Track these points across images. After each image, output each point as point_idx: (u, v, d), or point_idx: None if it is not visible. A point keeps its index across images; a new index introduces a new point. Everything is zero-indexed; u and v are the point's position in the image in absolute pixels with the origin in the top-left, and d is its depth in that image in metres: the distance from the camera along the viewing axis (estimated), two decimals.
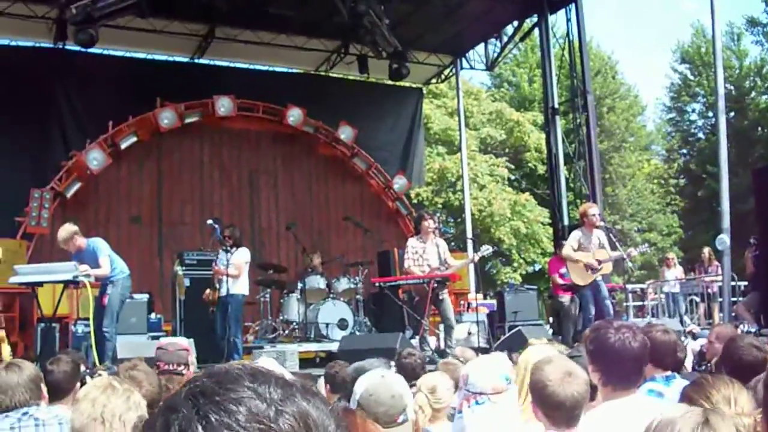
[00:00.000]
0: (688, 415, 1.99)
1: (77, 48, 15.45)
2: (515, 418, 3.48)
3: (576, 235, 11.87)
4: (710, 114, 38.66)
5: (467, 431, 3.37)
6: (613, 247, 11.85)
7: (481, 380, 3.44)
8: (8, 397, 4.29)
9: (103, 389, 3.35)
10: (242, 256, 11.96)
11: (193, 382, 1.09)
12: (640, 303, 19.27)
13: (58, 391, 4.85)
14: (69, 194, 16.40)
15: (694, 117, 42.66)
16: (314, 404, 1.06)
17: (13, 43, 17.42)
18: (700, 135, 42.07)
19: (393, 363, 5.75)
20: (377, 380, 3.32)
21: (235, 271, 11.76)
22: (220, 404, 1.01)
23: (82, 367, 5.61)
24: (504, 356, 4.33)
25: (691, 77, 41.48)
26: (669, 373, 4.70)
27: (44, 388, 4.41)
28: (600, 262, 11.54)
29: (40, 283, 9.79)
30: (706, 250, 18.12)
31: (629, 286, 17.57)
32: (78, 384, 5.15)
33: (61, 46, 16.82)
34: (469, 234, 20.76)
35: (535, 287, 18.32)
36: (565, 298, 14.05)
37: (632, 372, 3.72)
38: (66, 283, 9.72)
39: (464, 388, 3.50)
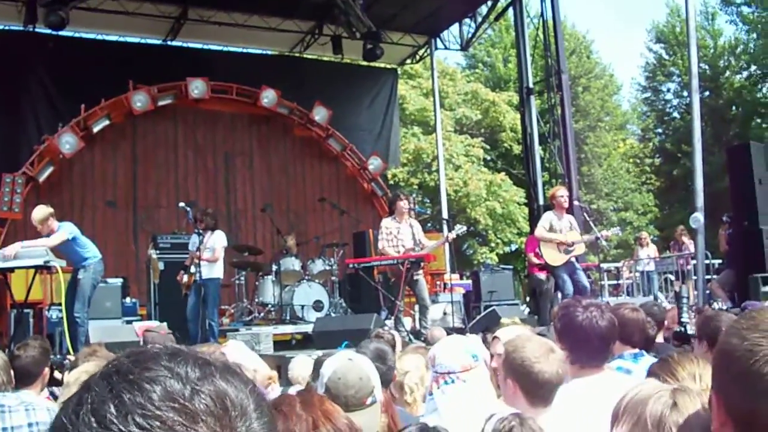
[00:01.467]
0: (657, 395, 2.00)
1: (48, 31, 15.30)
2: (488, 395, 3.48)
3: (548, 216, 11.95)
4: (685, 93, 38.77)
5: (440, 411, 3.37)
6: (588, 229, 11.92)
7: (448, 359, 3.44)
8: None
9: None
10: (219, 240, 11.92)
11: (111, 361, 1.07)
12: (615, 282, 19.39)
13: (26, 377, 4.82)
14: (41, 179, 16.27)
15: (669, 96, 42.84)
16: (233, 384, 1.03)
17: None
18: (675, 114, 42.25)
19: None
20: (345, 363, 3.31)
21: (212, 255, 11.73)
22: (134, 383, 0.98)
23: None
24: (473, 338, 4.33)
25: (666, 57, 41.62)
26: (637, 350, 4.73)
27: (12, 375, 4.38)
28: (572, 244, 11.61)
29: (11, 269, 9.72)
30: (680, 229, 18.24)
31: (604, 265, 17.68)
32: (47, 369, 5.12)
33: (31, 29, 16.64)
34: (445, 215, 20.79)
35: (511, 267, 18.41)
36: (542, 276, 14.11)
37: (600, 350, 3.73)
38: (37, 269, 9.66)
39: (433, 369, 3.50)
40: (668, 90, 42.69)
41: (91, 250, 10.49)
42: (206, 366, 1.04)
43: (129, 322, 12.03)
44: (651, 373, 3.11)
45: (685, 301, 7.01)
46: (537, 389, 3.33)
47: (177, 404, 0.97)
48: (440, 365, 3.43)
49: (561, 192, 11.94)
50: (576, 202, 12.05)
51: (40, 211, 10.18)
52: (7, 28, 17.15)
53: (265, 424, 1.04)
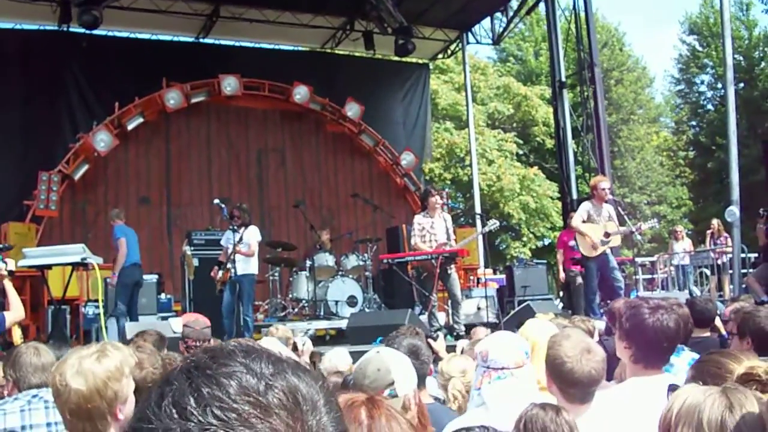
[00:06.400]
0: (709, 398, 1.98)
1: (82, 30, 15.42)
2: (534, 390, 3.48)
3: (586, 206, 11.83)
4: (719, 85, 38.36)
5: (488, 405, 3.36)
6: (622, 222, 11.82)
7: (504, 355, 3.43)
8: (46, 375, 4.32)
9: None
10: (253, 235, 11.94)
11: (189, 357, 1.13)
12: (649, 276, 19.21)
13: None
14: (77, 176, 16.43)
15: (703, 88, 42.37)
16: (304, 380, 1.09)
17: (18, 27, 17.40)
18: (709, 106, 41.80)
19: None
20: (371, 355, 3.32)
21: (248, 250, 11.76)
22: (212, 377, 1.04)
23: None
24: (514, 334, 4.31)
25: (700, 48, 41.19)
26: (678, 345, 4.70)
27: None
28: (608, 235, 11.51)
29: (49, 266, 9.82)
30: (715, 222, 18.05)
31: (638, 260, 17.50)
32: None
33: (65, 29, 16.80)
34: (478, 209, 20.72)
35: (545, 262, 18.31)
36: (576, 270, 14.03)
37: (665, 352, 3.72)
38: (74, 266, 9.74)
39: (483, 365, 3.48)
40: (702, 82, 42.27)
41: (130, 256, 10.76)
42: (279, 363, 1.10)
43: (164, 318, 12.10)
44: (694, 369, 3.09)
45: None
46: (567, 387, 3.34)
47: (252, 398, 1.03)
48: (494, 361, 3.42)
49: (603, 184, 11.76)
50: (609, 196, 11.89)
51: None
52: (42, 28, 17.32)
53: (335, 419, 1.09)
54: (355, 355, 4.97)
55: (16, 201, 15.92)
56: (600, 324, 7.24)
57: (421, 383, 3.94)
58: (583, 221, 11.63)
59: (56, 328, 11.36)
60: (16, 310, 7.01)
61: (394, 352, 3.48)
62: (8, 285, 7.20)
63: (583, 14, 17.76)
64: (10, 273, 7.30)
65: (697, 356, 3.84)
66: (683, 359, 4.46)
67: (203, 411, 1.01)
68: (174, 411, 1.02)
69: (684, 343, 4.92)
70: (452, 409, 4.48)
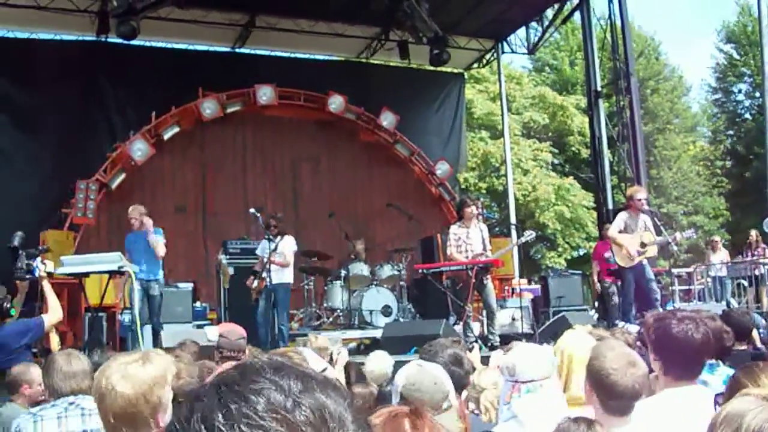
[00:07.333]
0: (756, 409, 1.96)
1: (119, 40, 15.58)
2: (562, 401, 3.47)
3: (622, 216, 11.74)
4: (757, 94, 37.91)
5: (520, 418, 3.35)
6: (658, 232, 11.72)
7: (531, 368, 3.41)
8: (75, 383, 4.37)
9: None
10: (289, 246, 11.97)
11: (220, 373, 1.15)
12: (686, 287, 19.03)
13: None
14: (114, 185, 16.58)
15: (740, 97, 41.93)
16: (332, 397, 1.10)
17: (57, 37, 17.62)
18: (747, 115, 41.35)
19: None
20: (416, 370, 3.31)
21: (283, 259, 11.79)
22: (241, 394, 1.06)
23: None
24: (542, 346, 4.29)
25: (737, 57, 40.80)
26: (713, 360, 4.65)
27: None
28: (645, 245, 11.43)
29: (86, 274, 9.89)
30: (754, 233, 17.85)
31: (675, 270, 17.37)
32: None
33: (103, 39, 16.99)
34: (513, 219, 20.66)
35: (580, 272, 18.19)
36: (610, 282, 13.93)
37: (694, 362, 3.69)
38: (111, 273, 9.82)
39: (510, 379, 3.46)
40: (739, 91, 41.84)
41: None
42: (308, 380, 1.11)
43: (200, 326, 12.16)
44: (734, 379, 3.07)
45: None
46: (609, 400, 3.31)
47: (279, 415, 1.04)
48: (522, 373, 3.40)
49: (639, 195, 11.66)
50: (645, 206, 11.79)
51: (142, 207, 11.26)
52: (80, 38, 17.52)
53: None
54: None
55: (54, 209, 16.13)
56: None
57: (459, 391, 3.94)
58: (620, 231, 11.55)
59: (93, 335, 11.47)
60: (55, 311, 7.10)
61: (435, 365, 3.49)
62: (47, 286, 7.30)
63: (618, 23, 17.68)
64: (49, 275, 7.40)
65: (731, 372, 3.80)
66: (718, 376, 4.42)
67: (231, 427, 1.02)
68: (202, 427, 1.04)
69: (722, 357, 4.87)
70: (482, 419, 4.48)
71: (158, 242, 10.88)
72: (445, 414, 3.22)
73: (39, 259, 7.37)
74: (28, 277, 7.31)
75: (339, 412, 1.08)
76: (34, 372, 5.24)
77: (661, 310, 9.45)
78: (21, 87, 16.43)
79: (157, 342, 10.30)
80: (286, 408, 1.05)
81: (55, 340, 8.21)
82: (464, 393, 4.81)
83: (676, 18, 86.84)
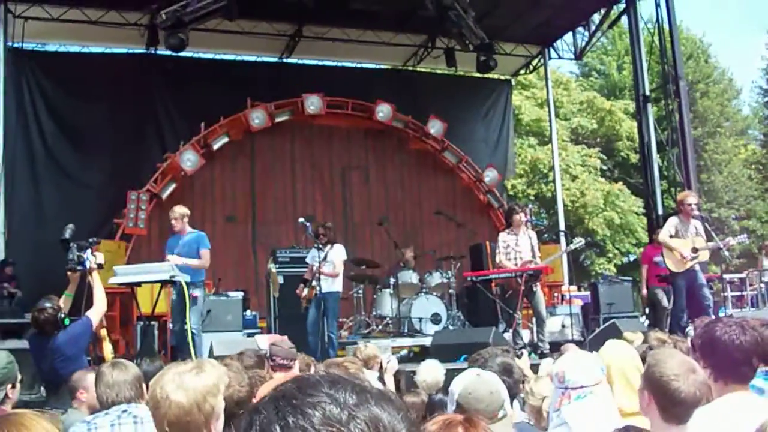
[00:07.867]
0: None
1: (168, 52, 15.77)
2: (614, 408, 3.45)
3: (673, 221, 11.63)
4: None
5: (570, 426, 3.33)
6: (709, 237, 11.59)
7: (581, 374, 3.40)
8: (114, 393, 4.43)
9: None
10: (339, 255, 12.00)
11: (278, 386, 1.19)
12: (738, 293, 18.76)
13: None
14: (164, 195, 16.76)
15: None
16: (387, 410, 1.12)
17: (108, 51, 17.89)
18: None
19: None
20: (474, 378, 3.32)
21: (334, 269, 11.83)
22: (298, 407, 1.09)
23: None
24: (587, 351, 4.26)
25: None
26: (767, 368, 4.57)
27: (145, 388, 4.51)
28: (696, 250, 11.30)
29: (138, 283, 10.01)
30: None
31: (727, 276, 17.12)
32: None
33: (153, 51, 17.22)
34: (562, 226, 20.54)
35: (630, 278, 18.03)
36: (659, 287, 13.79)
37: (741, 366, 3.62)
38: (163, 283, 9.92)
39: (560, 386, 3.45)
40: None
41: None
42: (363, 393, 1.15)
43: (250, 335, 12.23)
44: None
45: None
46: (671, 407, 3.27)
47: (335, 428, 1.07)
48: (571, 380, 3.39)
49: (690, 200, 11.54)
50: (696, 211, 11.66)
51: (183, 209, 11.19)
52: (130, 51, 17.77)
53: None
54: None
55: (106, 219, 16.39)
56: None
57: (513, 402, 3.94)
58: (670, 236, 11.44)
59: (145, 343, 11.60)
60: (100, 302, 7.21)
61: (492, 374, 3.49)
62: (96, 278, 7.43)
63: (666, 26, 17.49)
64: (99, 266, 7.53)
65: None
66: None
67: None
68: None
69: None
70: (545, 427, 4.45)
71: (187, 260, 10.53)
72: (501, 422, 3.22)
73: (89, 251, 7.52)
74: (79, 268, 7.43)
75: (393, 424, 1.11)
76: (90, 378, 5.32)
77: (713, 316, 9.35)
78: (75, 99, 16.66)
79: (206, 351, 10.36)
80: (341, 421, 1.07)
81: (107, 349, 8.33)
82: (515, 402, 4.81)
83: (725, 19, 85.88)
